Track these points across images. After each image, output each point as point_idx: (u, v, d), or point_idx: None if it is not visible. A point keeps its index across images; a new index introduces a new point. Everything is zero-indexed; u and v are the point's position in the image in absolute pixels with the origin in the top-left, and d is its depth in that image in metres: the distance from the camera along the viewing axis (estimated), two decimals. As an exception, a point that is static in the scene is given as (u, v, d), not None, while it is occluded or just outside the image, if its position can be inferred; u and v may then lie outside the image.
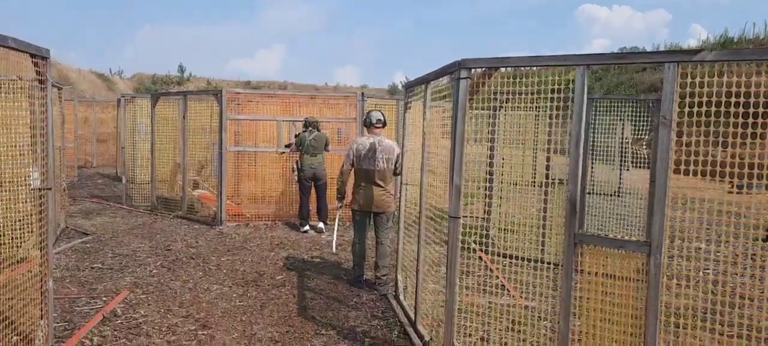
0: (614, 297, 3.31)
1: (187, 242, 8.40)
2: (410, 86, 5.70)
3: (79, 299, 5.69)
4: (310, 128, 9.32)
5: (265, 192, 10.68)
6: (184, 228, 9.43)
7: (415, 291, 5.03)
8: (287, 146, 9.72)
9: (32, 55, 3.98)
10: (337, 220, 7.16)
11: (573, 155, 3.35)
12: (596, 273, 3.35)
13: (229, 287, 6.22)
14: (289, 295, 6.01)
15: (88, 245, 8.01)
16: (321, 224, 9.37)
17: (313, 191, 9.43)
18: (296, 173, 9.41)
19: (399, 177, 6.27)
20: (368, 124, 6.40)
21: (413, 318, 5.08)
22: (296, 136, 9.51)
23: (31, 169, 7.28)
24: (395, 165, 6.30)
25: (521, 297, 5.62)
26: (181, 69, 43.55)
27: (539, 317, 4.83)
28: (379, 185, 6.24)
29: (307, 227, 9.30)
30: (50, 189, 4.21)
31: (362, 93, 9.59)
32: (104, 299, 5.70)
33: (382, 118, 6.39)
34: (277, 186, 10.53)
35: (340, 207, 6.81)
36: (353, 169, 6.39)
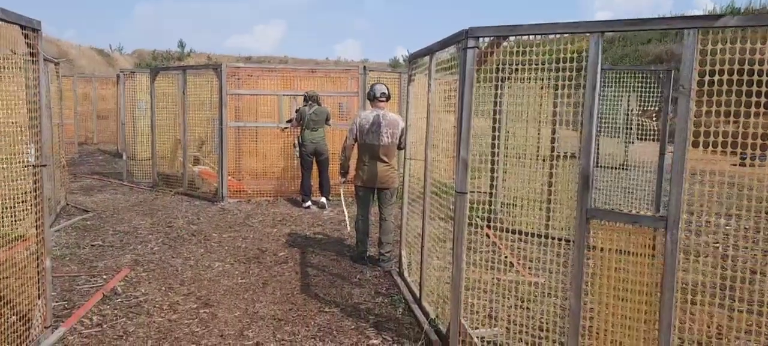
0: (628, 274, 3.20)
1: (188, 218, 8.30)
2: (414, 57, 5.55)
3: (78, 277, 5.60)
4: (310, 102, 9.18)
5: (266, 168, 10.57)
6: (185, 205, 9.34)
7: (420, 267, 4.94)
8: (288, 122, 9.59)
9: (22, 27, 3.84)
10: (341, 196, 7.05)
11: (586, 128, 3.21)
12: (609, 249, 3.24)
13: (231, 264, 6.13)
14: (292, 272, 5.92)
15: (88, 222, 7.92)
16: (323, 199, 9.27)
17: (314, 166, 9.32)
18: (297, 148, 9.29)
19: (403, 152, 6.16)
20: (372, 98, 6.25)
21: (418, 295, 4.99)
22: (297, 110, 9.37)
23: (28, 145, 7.18)
24: (399, 140, 6.17)
25: (529, 273, 5.53)
26: (182, 45, 43.19)
27: (547, 293, 4.73)
28: (383, 160, 6.11)
29: (309, 203, 9.20)
30: (45, 166, 4.09)
31: (364, 66, 9.42)
32: (105, 277, 5.62)
33: (386, 91, 6.24)
34: (278, 162, 10.42)
35: (343, 183, 6.69)
36: (356, 144, 6.26)
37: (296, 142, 9.34)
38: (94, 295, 5.06)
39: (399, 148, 6.25)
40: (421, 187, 5.30)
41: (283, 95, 9.71)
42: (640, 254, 3.15)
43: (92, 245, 6.77)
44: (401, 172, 6.31)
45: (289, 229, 7.79)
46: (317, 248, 6.86)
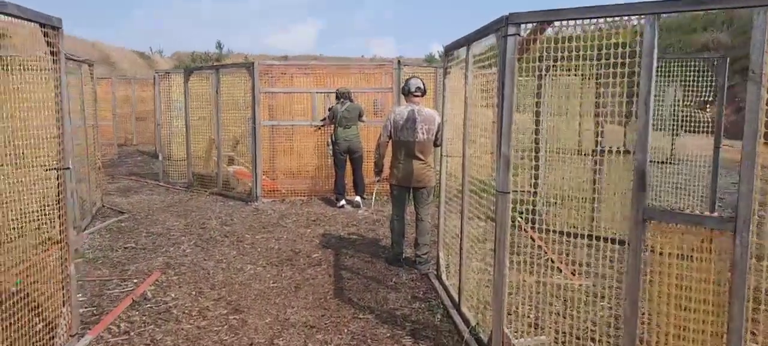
0: (690, 280, 2.88)
1: (221, 219, 8.19)
2: (450, 49, 5.28)
3: (109, 281, 5.50)
4: (342, 99, 8.98)
5: (300, 167, 10.43)
6: (220, 205, 9.25)
7: (459, 271, 4.67)
8: (323, 120, 9.41)
9: (42, 25, 3.71)
10: (374, 196, 6.82)
11: (641, 119, 2.91)
12: (669, 253, 2.92)
13: (263, 267, 5.97)
14: (325, 275, 5.72)
15: (123, 224, 7.88)
16: (357, 198, 9.06)
17: (348, 164, 9.12)
18: (331, 146, 9.11)
19: (439, 149, 5.91)
20: (406, 93, 6.00)
21: (457, 300, 4.73)
22: (329, 109, 9.19)
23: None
24: (435, 136, 5.91)
25: (576, 276, 5.21)
26: (219, 46, 43.66)
27: (597, 297, 4.41)
28: (419, 158, 5.86)
29: (343, 202, 9.00)
30: (68, 168, 3.96)
31: (398, 61, 9.18)
32: (135, 281, 5.51)
33: (421, 86, 5.98)
34: (312, 160, 10.26)
35: (378, 182, 6.46)
36: (391, 142, 6.03)
37: (329, 140, 9.16)
38: (124, 300, 4.95)
39: (435, 144, 5.99)
40: (458, 185, 5.03)
41: (316, 93, 9.53)
42: (704, 259, 2.83)
43: (125, 248, 6.69)
44: (438, 169, 6.06)
45: (323, 229, 7.60)
46: (351, 249, 6.64)
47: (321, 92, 9.82)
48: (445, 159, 5.54)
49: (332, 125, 9.09)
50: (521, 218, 5.54)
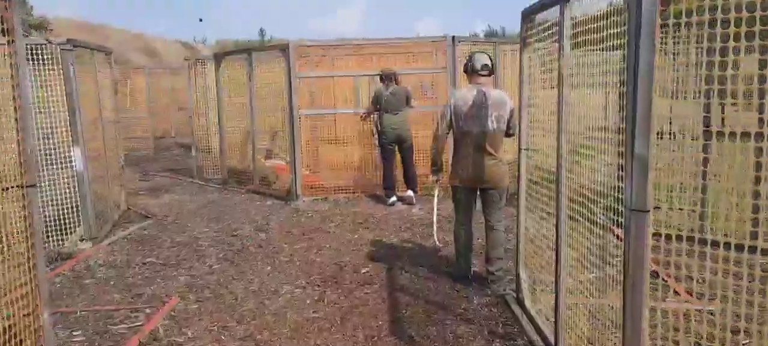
0: None
1: (256, 223, 7.21)
2: (532, 13, 4.09)
3: (117, 313, 4.56)
4: (386, 82, 7.86)
5: (345, 159, 9.38)
6: (256, 205, 8.29)
7: (556, 306, 3.52)
8: (368, 108, 8.31)
9: (-19, -7, 2.70)
10: (435, 201, 5.66)
11: None
12: None
13: (303, 288, 4.94)
14: (377, 298, 4.66)
15: (146, 232, 6.97)
16: (410, 193, 7.96)
17: (397, 155, 8.02)
18: (376, 136, 8.01)
19: (513, 142, 4.77)
20: (471, 71, 4.82)
21: (552, 341, 3.58)
22: (374, 93, 8.09)
23: (71, 148, 6.27)
24: (508, 124, 4.74)
25: (693, 298, 3.97)
26: (262, 33, 43.18)
27: (727, 329, 3.19)
28: (489, 153, 4.71)
29: (394, 199, 7.91)
30: (34, 186, 2.95)
31: (453, 37, 7.99)
32: (147, 311, 4.54)
33: (488, 62, 4.81)
34: (357, 151, 9.20)
35: (437, 182, 5.33)
36: (452, 133, 4.89)
37: (374, 129, 8.05)
38: (130, 341, 3.98)
39: (507, 134, 4.83)
40: (548, 190, 3.88)
41: (359, 76, 8.43)
42: None
43: (144, 263, 5.77)
44: (512, 165, 4.91)
45: (372, 234, 6.53)
46: (407, 261, 5.56)
47: (365, 75, 8.72)
48: (524, 153, 4.38)
49: (376, 111, 8.00)
50: (605, 216, 4.36)
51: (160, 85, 18.20)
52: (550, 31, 3.73)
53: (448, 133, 4.87)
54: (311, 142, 9.84)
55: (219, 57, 9.67)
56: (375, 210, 7.69)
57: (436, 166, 5.08)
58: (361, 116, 8.48)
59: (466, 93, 4.77)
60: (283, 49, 8.27)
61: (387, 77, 7.86)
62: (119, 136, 8.15)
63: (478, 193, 4.90)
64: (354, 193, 8.55)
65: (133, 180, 10.78)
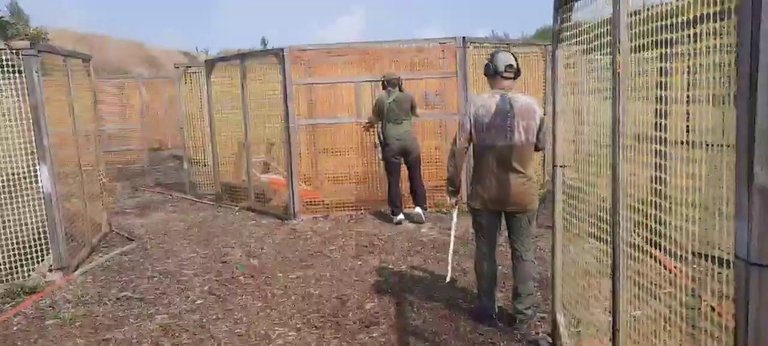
0: None
1: (249, 247, 6.49)
2: (568, 2, 3.38)
3: (76, 365, 3.84)
4: (389, 88, 7.15)
5: (347, 172, 8.68)
6: (250, 225, 7.57)
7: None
8: (371, 117, 7.60)
9: None
10: (452, 229, 4.88)
11: None
12: None
13: (297, 330, 4.21)
14: (385, 344, 3.93)
15: (126, 258, 6.27)
16: (418, 210, 7.23)
17: (403, 168, 7.30)
18: (380, 148, 7.28)
19: (543, 157, 4.04)
20: (493, 73, 4.10)
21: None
22: (375, 101, 7.37)
23: (37, 166, 5.56)
24: (538, 136, 4.03)
25: None
26: (264, 42, 42.55)
27: None
28: (517, 170, 3.99)
29: (400, 217, 7.18)
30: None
31: (464, 38, 7.28)
32: (112, 363, 3.83)
33: (513, 63, 4.09)
34: (360, 164, 8.49)
35: (455, 206, 4.59)
36: (471, 147, 4.17)
37: (377, 140, 7.33)
38: (83, 408, 3.26)
39: (537, 148, 4.11)
40: (589, 215, 3.17)
41: (361, 82, 7.72)
42: None
43: (118, 298, 5.05)
44: (541, 183, 4.18)
45: (377, 259, 5.81)
46: (419, 293, 4.83)
47: (368, 81, 8.01)
48: (560, 171, 3.66)
49: (379, 121, 7.29)
50: (640, 236, 3.64)
51: (158, 95, 17.54)
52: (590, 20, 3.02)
53: (467, 148, 4.15)
54: (310, 154, 9.15)
55: (210, 63, 8.98)
56: (380, 230, 6.97)
57: (454, 187, 4.34)
58: (363, 126, 7.77)
59: (487, 100, 4.05)
60: (278, 53, 7.57)
61: (390, 84, 7.15)
62: (101, 151, 7.45)
63: (504, 217, 4.17)
64: (357, 210, 7.82)
65: (122, 197, 10.10)
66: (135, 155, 14.74)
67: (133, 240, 7.01)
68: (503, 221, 4.19)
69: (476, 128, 4.04)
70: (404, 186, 7.40)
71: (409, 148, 7.13)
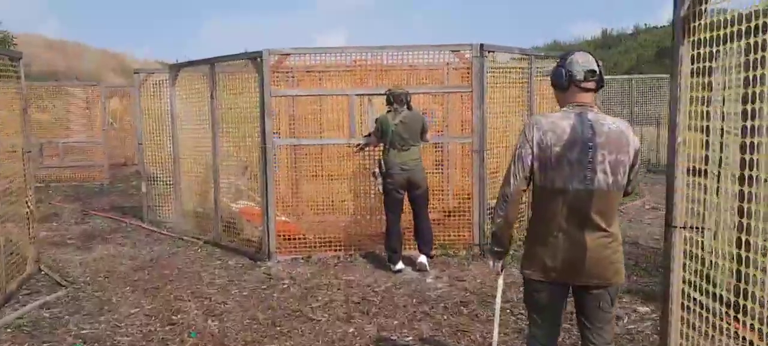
0: None
1: (209, 301, 5.07)
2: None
3: None
4: (395, 106, 5.82)
5: (335, 201, 7.31)
6: (215, 266, 6.16)
7: None
8: (367, 137, 6.25)
9: None
10: (497, 303, 3.37)
11: None
12: None
13: None
14: None
15: (47, 313, 4.82)
16: (423, 259, 5.85)
17: (406, 204, 5.96)
18: (379, 178, 5.91)
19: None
20: (567, 81, 2.75)
21: None
22: (376, 120, 6.02)
23: None
24: (629, 174, 2.71)
25: None
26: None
27: None
28: (597, 225, 2.66)
29: (400, 265, 5.81)
30: None
31: (481, 45, 5.99)
32: None
33: (596, 67, 2.76)
34: (350, 193, 7.13)
35: (501, 271, 3.17)
36: (532, 189, 2.83)
37: (377, 170, 5.96)
38: None
39: (626, 192, 2.79)
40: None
41: (355, 95, 6.36)
42: None
43: (15, 384, 3.62)
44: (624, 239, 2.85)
45: (374, 325, 4.44)
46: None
47: (363, 94, 6.67)
48: (677, 233, 2.34)
49: (380, 145, 5.97)
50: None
51: (115, 106, 16.06)
52: None
53: (525, 190, 2.80)
54: (290, 178, 7.76)
55: (175, 69, 7.58)
56: (376, 279, 5.59)
57: (501, 247, 2.96)
58: (355, 149, 6.41)
59: (559, 121, 2.70)
60: (254, 58, 6.22)
61: (397, 100, 5.81)
62: (31, 170, 5.98)
63: (572, 292, 2.84)
64: (346, 250, 6.42)
65: (68, 222, 8.60)
66: (95, 172, 13.20)
67: (63, 285, 5.55)
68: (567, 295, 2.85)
69: (540, 163, 2.70)
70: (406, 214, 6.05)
71: (416, 181, 5.78)
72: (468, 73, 6.18)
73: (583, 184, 2.64)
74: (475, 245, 6.26)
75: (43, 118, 14.59)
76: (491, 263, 3.03)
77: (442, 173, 7.43)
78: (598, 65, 2.77)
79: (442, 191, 7.34)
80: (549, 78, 2.85)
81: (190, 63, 7.41)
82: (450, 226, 6.53)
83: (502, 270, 3.05)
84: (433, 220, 6.22)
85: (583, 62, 2.72)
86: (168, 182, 8.40)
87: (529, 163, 2.71)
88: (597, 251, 2.68)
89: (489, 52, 6.08)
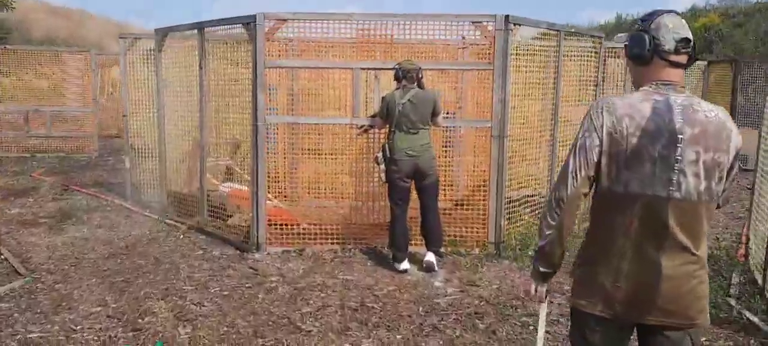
0: None
1: (184, 301, 4.39)
2: None
3: None
4: (404, 83, 5.08)
5: (332, 185, 6.60)
6: (196, 257, 5.47)
7: None
8: (372, 118, 5.53)
9: None
10: (539, 338, 2.59)
11: None
12: None
13: None
14: None
15: (-6, 309, 4.16)
16: (430, 257, 5.15)
17: (412, 194, 5.26)
18: (382, 165, 5.19)
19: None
20: (650, 54, 2.02)
21: None
22: (382, 99, 5.28)
23: None
24: (726, 181, 2.01)
25: None
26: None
27: None
28: (682, 245, 1.97)
29: (406, 264, 5.11)
30: None
31: (507, 17, 5.24)
32: None
33: (690, 35, 2.03)
34: (350, 176, 6.43)
35: (545, 297, 2.43)
36: (595, 191, 2.11)
37: (379, 155, 5.23)
38: None
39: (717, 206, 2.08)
40: None
41: (360, 69, 5.61)
42: None
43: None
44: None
45: (374, 340, 3.76)
46: None
47: (371, 69, 5.94)
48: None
49: (384, 126, 5.27)
50: None
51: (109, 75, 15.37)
52: None
53: (586, 194, 2.09)
54: (285, 158, 7.05)
55: (162, 34, 6.83)
56: (377, 280, 4.89)
57: (550, 267, 2.24)
58: (359, 130, 5.69)
59: (638, 105, 1.99)
60: (248, 23, 5.48)
61: (406, 77, 5.08)
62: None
63: (640, 329, 2.14)
64: (344, 243, 5.71)
65: (45, 198, 7.92)
66: (84, 143, 12.51)
67: (22, 275, 4.88)
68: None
69: (611, 158, 1.99)
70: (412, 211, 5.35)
71: (424, 169, 5.07)
72: (488, 48, 5.43)
73: (666, 190, 1.94)
74: (490, 243, 5.56)
75: (42, 85, 13.94)
76: (533, 287, 2.32)
77: (451, 158, 6.68)
78: (690, 36, 2.04)
79: (450, 179, 6.58)
80: (624, 48, 2.12)
81: (177, 27, 6.65)
82: (460, 219, 5.80)
83: (546, 297, 2.34)
84: (442, 212, 5.50)
85: (674, 27, 2.00)
86: (153, 158, 7.70)
87: (596, 158, 2.00)
88: (679, 281, 1.99)
89: (515, 24, 5.32)
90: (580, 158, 2.02)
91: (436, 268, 5.11)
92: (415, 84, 5.11)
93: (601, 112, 2.00)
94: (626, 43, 2.10)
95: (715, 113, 1.98)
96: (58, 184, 8.90)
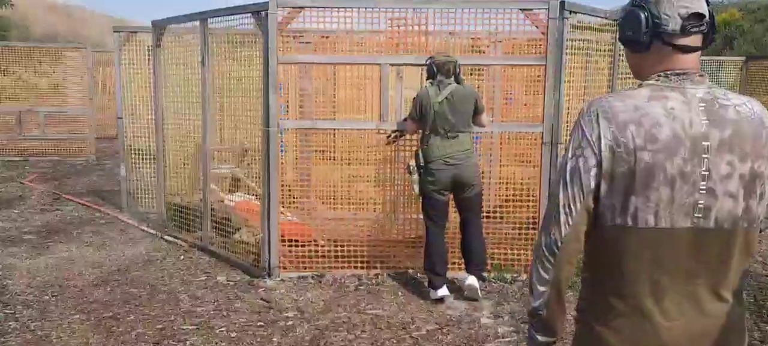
0: None
1: (183, 345, 3.63)
2: None
3: None
4: (440, 78, 4.30)
5: (358, 202, 5.82)
6: (198, 284, 4.71)
7: None
8: (403, 123, 4.74)
9: None
10: None
11: None
12: None
13: None
14: None
15: (-49, 359, 3.40)
16: (473, 282, 4.37)
17: (451, 210, 4.49)
18: (415, 175, 4.41)
19: None
20: (648, 37, 1.34)
21: None
22: (414, 99, 4.49)
23: None
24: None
25: None
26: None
27: None
28: (716, 293, 1.36)
29: (444, 292, 4.32)
30: None
31: (562, 3, 4.46)
32: None
33: (705, 8, 1.31)
34: (377, 189, 5.66)
35: None
36: (594, 227, 1.40)
37: (411, 163, 4.45)
38: None
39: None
40: None
41: (390, 64, 4.82)
42: None
43: None
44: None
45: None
46: None
47: (400, 64, 5.15)
48: None
49: (417, 130, 4.49)
50: None
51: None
52: None
53: (587, 233, 1.36)
54: (299, 167, 6.30)
55: (160, 27, 6.06)
56: (412, 315, 4.12)
57: (550, 334, 1.48)
58: (388, 139, 4.90)
59: (645, 106, 1.32)
60: (258, 13, 4.71)
61: (441, 71, 4.31)
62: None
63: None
64: (370, 267, 4.94)
65: (32, 210, 7.16)
66: (81, 146, 11.76)
67: (-8, 307, 4.13)
68: None
69: (614, 183, 1.33)
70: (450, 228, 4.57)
71: (466, 179, 4.29)
72: (540, 40, 4.64)
73: (691, 219, 1.21)
74: None
75: (41, 83, 13.23)
76: None
77: (491, 167, 5.91)
78: (708, 2, 1.32)
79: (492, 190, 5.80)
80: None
81: (176, 18, 5.88)
82: (504, 240, 5.01)
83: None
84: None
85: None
86: (152, 165, 6.94)
87: (593, 183, 1.28)
88: (718, 340, 1.28)
89: (571, 12, 4.53)
90: (573, 187, 1.35)
91: (480, 295, 4.34)
92: (453, 80, 4.34)
93: (597, 121, 1.34)
94: (619, 26, 1.40)
95: (750, 107, 1.34)
96: (49, 192, 8.14)
